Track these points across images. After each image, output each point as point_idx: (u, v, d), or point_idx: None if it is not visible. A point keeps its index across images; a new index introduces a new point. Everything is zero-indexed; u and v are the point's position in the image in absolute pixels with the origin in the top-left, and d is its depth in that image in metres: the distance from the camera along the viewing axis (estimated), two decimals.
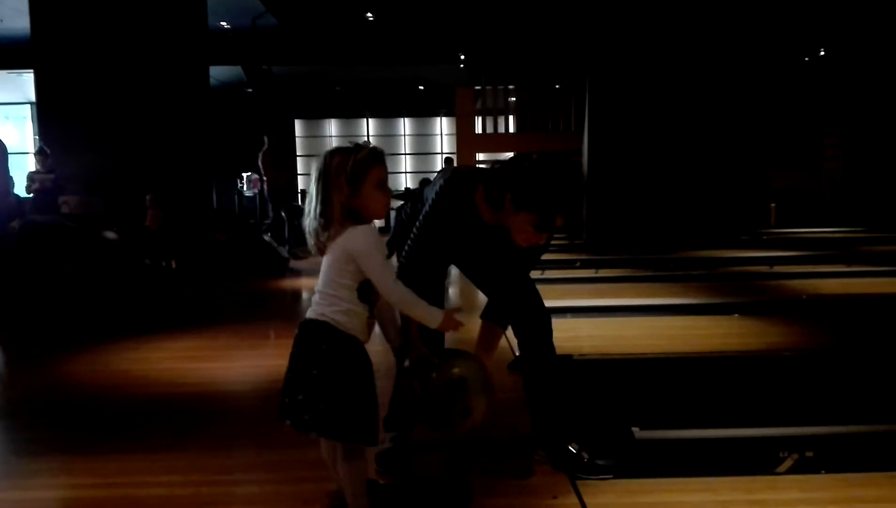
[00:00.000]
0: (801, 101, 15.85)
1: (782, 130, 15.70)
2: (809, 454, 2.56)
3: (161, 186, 8.84)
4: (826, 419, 3.02)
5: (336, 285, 2.01)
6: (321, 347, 1.99)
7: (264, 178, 10.32)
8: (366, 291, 2.03)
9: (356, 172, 1.96)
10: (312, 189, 2.02)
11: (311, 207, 2.01)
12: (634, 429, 2.75)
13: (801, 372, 4.01)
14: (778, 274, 7.75)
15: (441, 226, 2.48)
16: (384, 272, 1.99)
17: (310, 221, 2.01)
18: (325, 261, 2.05)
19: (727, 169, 11.41)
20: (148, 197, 8.55)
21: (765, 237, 12.40)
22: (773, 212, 15.59)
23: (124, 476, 2.64)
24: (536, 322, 2.69)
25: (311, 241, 2.05)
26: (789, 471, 2.50)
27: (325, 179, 1.98)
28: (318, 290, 2.06)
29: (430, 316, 2.05)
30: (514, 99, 16.67)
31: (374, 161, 2.00)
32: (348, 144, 2.03)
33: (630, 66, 11.06)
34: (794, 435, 2.76)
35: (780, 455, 2.54)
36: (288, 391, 2.02)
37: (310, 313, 2.04)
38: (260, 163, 10.14)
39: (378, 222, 2.32)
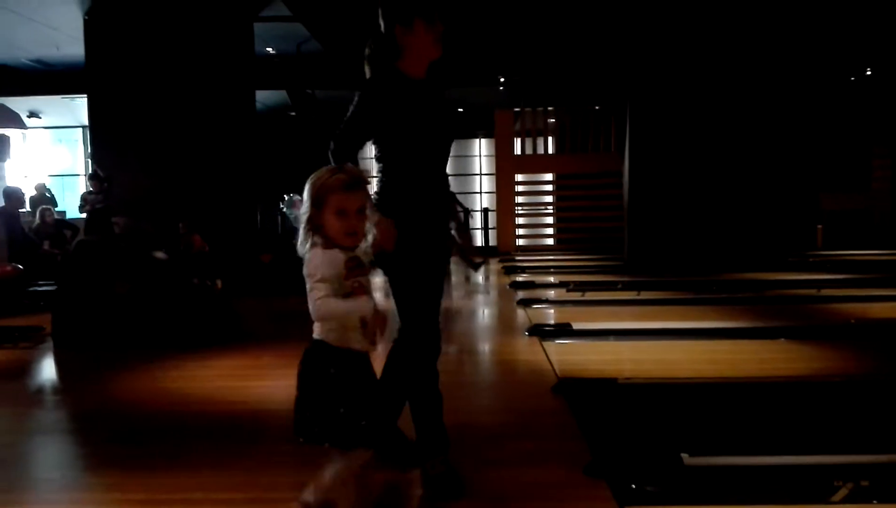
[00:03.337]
0: (848, 121, 15.55)
1: (829, 151, 15.41)
2: (864, 483, 2.50)
3: (204, 209, 9.03)
4: (880, 447, 2.94)
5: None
6: (318, 365, 2.06)
7: None
8: None
9: (319, 195, 2.01)
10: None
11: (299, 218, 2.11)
12: (683, 455, 2.72)
13: (851, 399, 3.92)
14: (825, 298, 7.58)
15: (377, 108, 2.52)
16: (310, 297, 2.00)
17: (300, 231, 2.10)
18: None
19: (773, 190, 11.23)
20: (181, 224, 8.71)
21: (811, 260, 12.16)
22: (819, 234, 15.28)
23: (175, 493, 2.70)
24: (425, 338, 2.63)
25: (299, 251, 2.09)
26: (844, 500, 2.44)
27: (305, 193, 2.06)
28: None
29: (359, 308, 2.04)
30: (553, 120, 16.66)
31: (339, 189, 2.01)
32: (338, 166, 2.12)
33: (672, 86, 11.00)
34: (849, 464, 2.69)
35: (835, 483, 2.48)
36: (298, 408, 2.10)
37: (314, 334, 2.11)
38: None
39: None
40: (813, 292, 7.94)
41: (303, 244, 2.06)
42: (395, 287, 2.61)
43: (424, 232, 2.59)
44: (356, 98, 2.57)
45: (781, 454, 2.88)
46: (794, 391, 4.04)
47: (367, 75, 2.66)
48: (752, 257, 10.72)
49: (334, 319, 2.05)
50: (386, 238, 2.40)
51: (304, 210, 2.06)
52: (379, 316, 2.11)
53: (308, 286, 2.01)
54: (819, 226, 15.33)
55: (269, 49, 12.78)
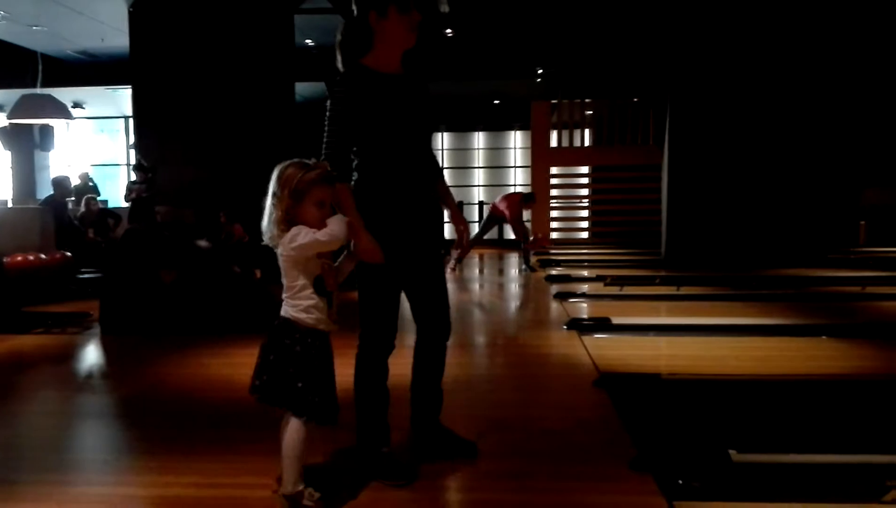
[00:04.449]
0: (891, 115, 15.16)
1: (874, 145, 15.04)
2: None
3: (245, 199, 9.12)
4: None
5: (292, 287, 2.30)
6: (284, 341, 2.29)
7: None
8: (321, 285, 2.30)
9: (300, 188, 2.22)
10: (269, 194, 2.26)
11: (266, 210, 2.28)
12: (731, 451, 2.70)
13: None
14: (868, 295, 7.44)
15: (352, 106, 2.52)
16: (312, 236, 2.23)
17: (264, 223, 2.28)
18: (280, 265, 2.32)
19: (814, 185, 11.00)
20: (221, 213, 8.82)
21: (853, 257, 11.91)
22: (862, 230, 14.95)
23: (222, 477, 2.76)
24: (379, 335, 2.67)
25: (265, 239, 2.31)
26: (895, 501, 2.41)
27: (277, 186, 2.24)
28: (284, 291, 2.34)
29: (338, 228, 2.27)
30: (590, 112, 16.51)
31: (318, 182, 2.24)
32: (305, 161, 2.28)
33: (713, 79, 10.83)
34: None
35: (887, 484, 2.45)
36: (258, 372, 2.34)
37: (281, 312, 2.34)
38: None
39: None
40: (856, 289, 7.79)
41: (272, 236, 2.26)
42: (363, 281, 2.61)
43: (400, 231, 2.58)
44: (329, 103, 2.56)
45: (828, 452, 2.85)
46: (840, 390, 3.98)
47: (339, 63, 2.64)
48: (792, 253, 10.54)
49: (336, 239, 2.25)
50: (371, 256, 2.47)
51: (275, 203, 2.24)
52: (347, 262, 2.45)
53: (301, 241, 2.21)
54: (862, 222, 15.00)
55: (308, 41, 12.88)
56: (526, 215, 12.69)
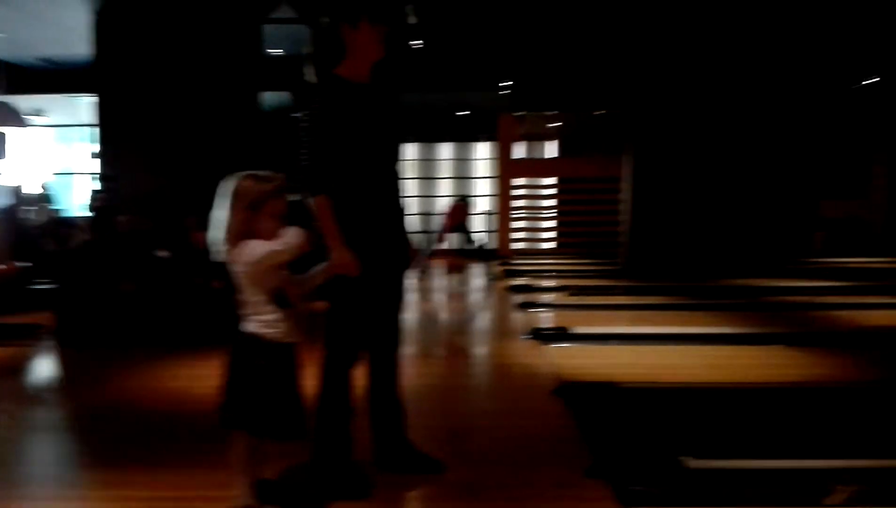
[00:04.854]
0: (848, 129, 15.58)
1: (829, 159, 15.44)
2: (861, 487, 2.53)
3: (208, 208, 9.05)
4: (877, 452, 2.98)
5: (253, 302, 2.29)
6: (249, 357, 2.28)
7: None
8: (281, 297, 2.29)
9: (257, 200, 2.23)
10: (222, 205, 2.26)
11: (218, 221, 2.27)
12: (685, 458, 2.75)
13: (848, 405, 3.95)
14: (823, 304, 7.61)
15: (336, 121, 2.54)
16: (268, 247, 2.23)
17: (215, 232, 2.28)
18: (237, 281, 2.30)
19: (773, 197, 11.27)
20: (189, 219, 8.71)
21: (810, 267, 12.18)
22: (819, 241, 15.31)
23: (185, 490, 2.73)
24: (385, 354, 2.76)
25: (214, 252, 2.30)
26: (841, 504, 2.48)
27: (233, 198, 2.24)
28: (245, 306, 2.32)
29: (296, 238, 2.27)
30: (555, 124, 16.70)
31: (275, 194, 2.26)
32: (260, 173, 2.30)
33: (674, 91, 11.03)
34: (845, 468, 2.74)
35: (831, 487, 2.52)
36: (221, 395, 2.32)
37: (245, 327, 2.31)
38: None
39: None
40: (811, 298, 7.97)
41: (223, 249, 2.26)
42: (336, 293, 2.61)
43: (374, 243, 2.60)
44: (307, 114, 2.57)
45: (779, 458, 2.92)
46: (791, 397, 4.08)
47: (309, 75, 2.64)
48: (750, 263, 10.75)
49: (292, 249, 2.23)
50: (348, 268, 2.49)
51: (231, 215, 2.24)
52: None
53: (257, 254, 2.22)
54: (819, 233, 15.35)
55: (274, 51, 12.82)
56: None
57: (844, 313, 7.06)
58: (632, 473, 2.69)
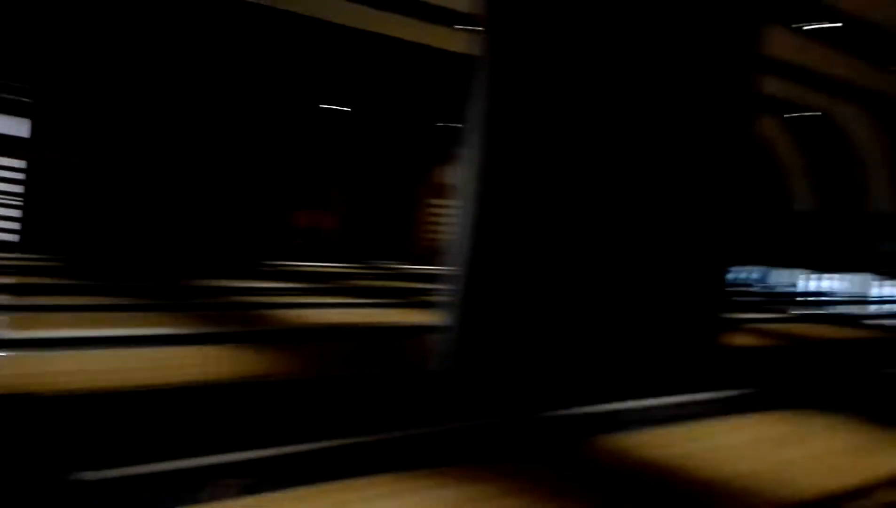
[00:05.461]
0: (315, 154, 17.17)
1: (300, 177, 16.81)
2: (248, 479, 2.64)
3: None
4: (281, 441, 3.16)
5: None
6: None
7: None
8: None
9: None
10: None
11: None
12: (80, 472, 2.50)
13: (274, 398, 4.17)
14: (273, 304, 8.05)
15: None
16: None
17: None
18: None
19: (249, 207, 11.79)
20: None
21: (275, 270, 12.92)
22: (292, 246, 16.46)
23: None
24: None
25: None
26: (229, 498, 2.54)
27: None
28: None
29: None
30: None
31: None
32: None
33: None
34: (240, 461, 2.83)
35: (221, 483, 2.57)
36: None
37: None
38: None
39: None
40: (264, 298, 8.40)
41: None
42: None
43: None
44: None
45: (191, 456, 2.86)
46: (221, 394, 4.13)
47: None
48: (225, 265, 10.97)
49: None
50: None
51: None
52: None
53: None
54: (293, 240, 16.54)
55: None
56: None
57: (291, 313, 7.58)
58: (14, 496, 2.34)
